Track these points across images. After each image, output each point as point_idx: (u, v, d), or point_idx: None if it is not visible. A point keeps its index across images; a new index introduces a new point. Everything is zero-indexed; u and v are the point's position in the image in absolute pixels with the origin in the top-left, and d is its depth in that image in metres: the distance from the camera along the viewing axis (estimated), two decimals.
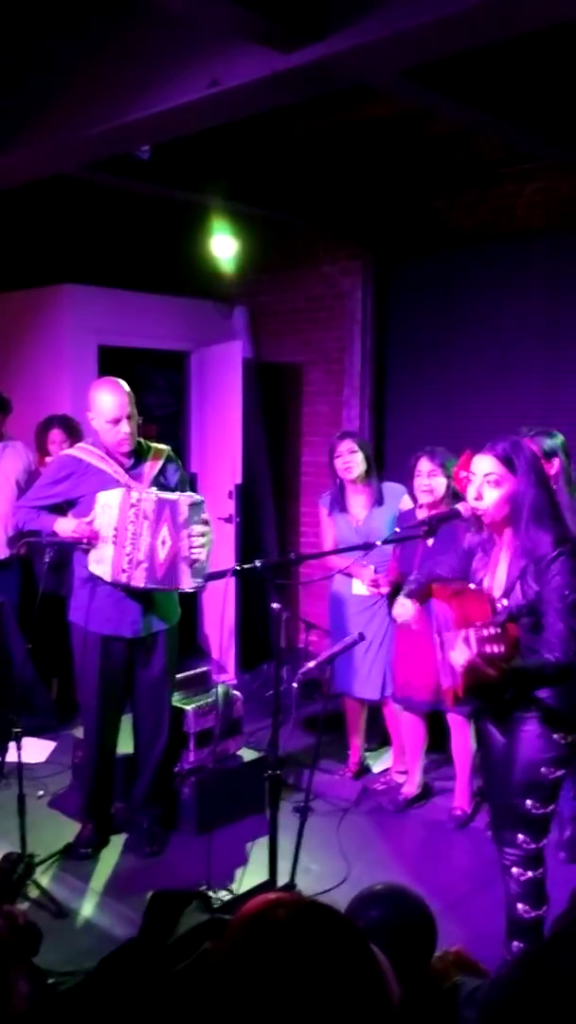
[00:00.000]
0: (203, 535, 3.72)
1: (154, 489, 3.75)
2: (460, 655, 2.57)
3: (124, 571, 3.70)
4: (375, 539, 3.52)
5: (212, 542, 3.77)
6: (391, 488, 4.61)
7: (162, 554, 3.69)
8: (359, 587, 4.56)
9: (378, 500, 4.60)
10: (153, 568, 3.70)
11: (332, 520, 4.69)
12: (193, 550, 3.70)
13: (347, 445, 4.59)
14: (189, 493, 3.80)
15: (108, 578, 3.72)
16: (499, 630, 2.50)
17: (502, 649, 2.48)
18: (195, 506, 3.74)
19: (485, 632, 2.49)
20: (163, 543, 3.68)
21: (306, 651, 6.11)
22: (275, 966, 1.17)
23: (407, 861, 4.04)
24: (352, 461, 4.55)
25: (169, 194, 5.53)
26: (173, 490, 3.86)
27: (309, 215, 6.03)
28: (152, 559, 3.69)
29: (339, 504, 4.66)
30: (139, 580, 3.70)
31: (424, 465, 4.23)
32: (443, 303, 5.96)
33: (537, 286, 5.49)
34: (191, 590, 3.82)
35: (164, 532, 3.68)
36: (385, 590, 4.44)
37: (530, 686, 2.73)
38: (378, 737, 5.00)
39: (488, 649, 2.48)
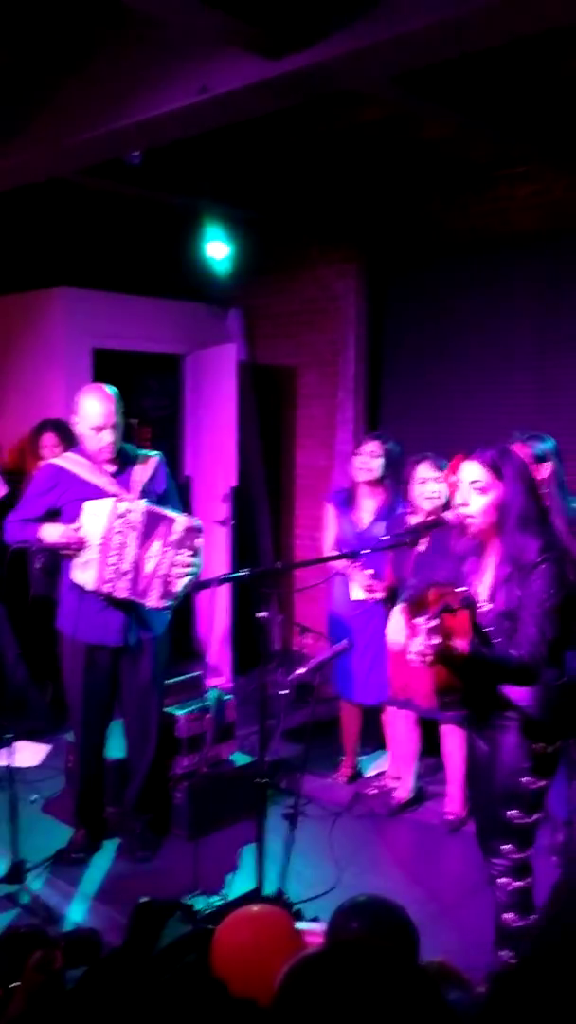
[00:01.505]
0: (189, 565, 3.66)
1: (144, 501, 3.74)
2: (413, 647, 2.62)
3: (108, 581, 3.69)
4: (372, 547, 3.50)
5: (197, 574, 3.69)
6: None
7: (148, 567, 3.67)
8: (357, 591, 4.55)
9: (388, 512, 4.50)
10: (137, 580, 3.68)
11: (339, 518, 4.64)
12: (175, 571, 3.66)
13: (371, 446, 4.51)
14: (190, 516, 3.77)
15: (91, 587, 3.72)
16: (438, 621, 2.54)
17: (439, 639, 2.53)
18: (191, 531, 3.68)
19: (429, 624, 2.53)
20: (150, 557, 3.67)
21: (300, 654, 6.12)
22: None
23: (398, 866, 4.04)
24: (369, 463, 4.49)
25: (164, 198, 5.53)
26: (161, 497, 3.86)
27: (303, 218, 6.03)
28: (137, 571, 3.68)
29: (348, 504, 4.62)
30: (122, 591, 3.70)
31: (428, 471, 4.20)
32: (437, 305, 5.95)
33: (531, 288, 5.48)
34: (152, 608, 3.74)
35: (156, 547, 3.66)
36: (381, 595, 4.41)
37: (490, 678, 2.73)
38: (372, 742, 5.00)
39: (431, 639, 2.52)
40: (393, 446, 4.55)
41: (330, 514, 4.71)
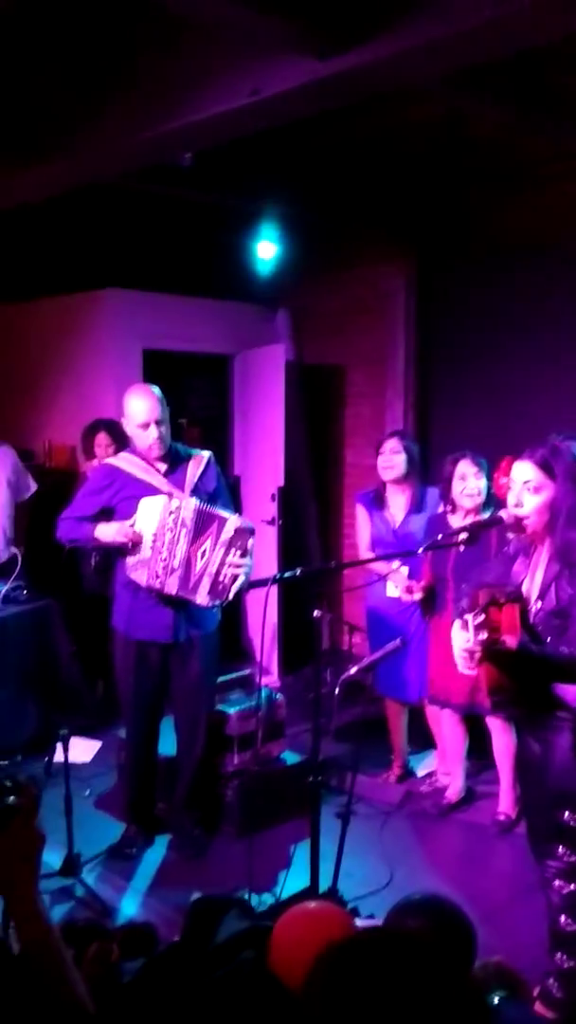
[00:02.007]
0: (240, 566, 3.68)
1: (195, 499, 3.78)
2: (458, 640, 2.63)
3: (158, 576, 3.75)
4: (411, 543, 3.51)
5: (248, 575, 3.70)
6: (434, 495, 4.55)
7: (198, 564, 3.71)
8: (392, 589, 4.55)
9: (418, 506, 4.58)
10: (187, 576, 3.73)
11: (370, 518, 4.69)
12: (226, 570, 3.68)
13: (392, 444, 4.59)
14: (242, 517, 3.81)
15: (143, 583, 3.78)
16: (484, 615, 2.53)
17: (484, 635, 2.54)
18: (243, 531, 3.70)
19: (474, 620, 2.54)
20: (202, 555, 3.70)
21: (350, 653, 6.12)
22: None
23: (449, 866, 4.03)
24: (392, 461, 4.55)
25: (212, 199, 5.56)
26: (212, 495, 3.89)
27: (352, 217, 6.02)
28: (188, 568, 3.72)
29: (378, 503, 4.67)
30: (172, 587, 3.75)
31: (468, 468, 4.21)
32: (486, 304, 5.91)
33: None
34: (202, 605, 3.78)
35: (207, 544, 3.70)
36: (419, 596, 4.40)
37: (539, 676, 2.71)
38: (421, 740, 4.99)
39: (478, 636, 2.53)
40: (411, 443, 4.65)
41: (361, 515, 4.75)
